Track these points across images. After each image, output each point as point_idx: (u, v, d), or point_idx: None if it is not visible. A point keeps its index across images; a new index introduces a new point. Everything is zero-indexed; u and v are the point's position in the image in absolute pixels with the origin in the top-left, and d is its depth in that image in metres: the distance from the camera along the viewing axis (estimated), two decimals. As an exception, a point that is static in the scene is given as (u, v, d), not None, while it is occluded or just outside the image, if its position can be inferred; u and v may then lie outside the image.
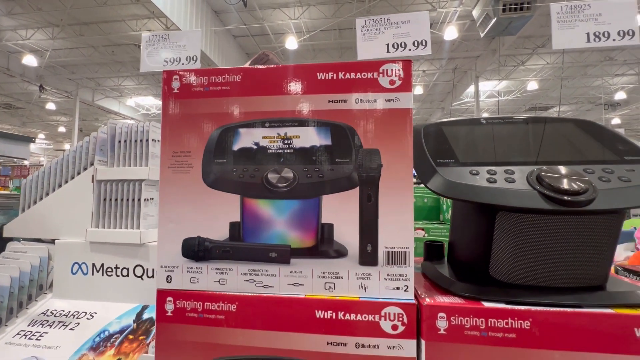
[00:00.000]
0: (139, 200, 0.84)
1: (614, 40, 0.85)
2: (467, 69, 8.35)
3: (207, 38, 5.61)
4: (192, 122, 0.47)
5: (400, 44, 0.85)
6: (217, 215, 0.45)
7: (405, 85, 0.43)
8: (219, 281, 0.45)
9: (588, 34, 0.86)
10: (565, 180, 0.38)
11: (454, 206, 0.55)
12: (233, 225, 0.45)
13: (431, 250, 0.60)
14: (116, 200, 0.85)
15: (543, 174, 0.39)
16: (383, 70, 0.44)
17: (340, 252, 0.43)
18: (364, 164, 0.43)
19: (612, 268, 1.01)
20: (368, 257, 0.43)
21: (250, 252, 0.45)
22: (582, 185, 0.37)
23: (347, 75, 0.45)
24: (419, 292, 0.44)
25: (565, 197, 0.37)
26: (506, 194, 0.39)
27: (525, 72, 8.41)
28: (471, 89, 8.69)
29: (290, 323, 0.43)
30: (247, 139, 0.45)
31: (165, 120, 0.47)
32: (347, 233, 0.43)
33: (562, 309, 0.38)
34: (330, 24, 6.08)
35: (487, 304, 0.40)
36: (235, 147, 0.46)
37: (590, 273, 0.41)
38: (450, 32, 5.66)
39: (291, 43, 5.96)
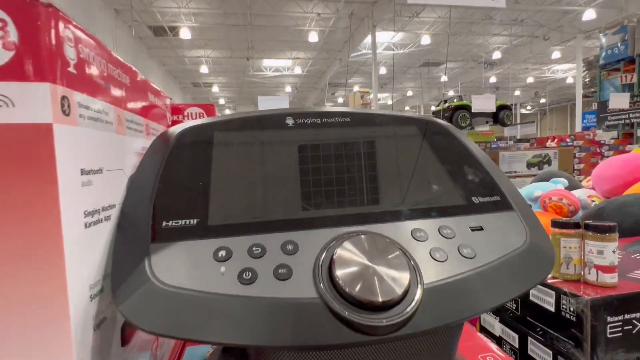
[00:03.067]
0: None
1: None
2: (364, 16, 8.54)
3: None
4: None
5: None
6: None
7: (27, 58, 0.19)
8: None
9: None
10: (372, 281, 0.22)
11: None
12: None
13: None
14: None
15: (337, 266, 0.23)
16: (-43, 18, 0.19)
17: None
18: None
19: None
20: None
21: None
22: (396, 293, 0.22)
23: None
24: None
25: (367, 320, 0.21)
26: (266, 317, 0.21)
27: (420, 25, 9.14)
28: (369, 40, 9.02)
29: None
30: None
31: None
32: None
33: None
34: None
35: None
36: None
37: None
38: (344, -30, 5.53)
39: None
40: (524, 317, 0.59)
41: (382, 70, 11.79)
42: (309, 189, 0.28)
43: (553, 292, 0.53)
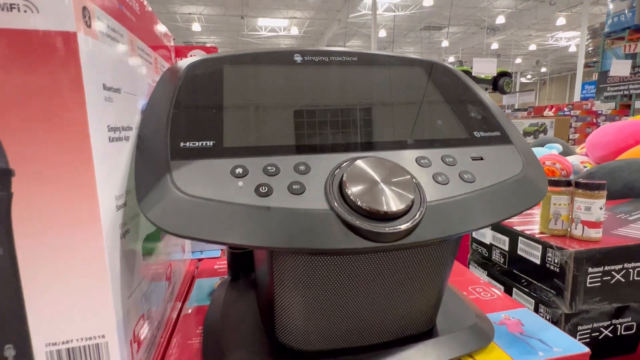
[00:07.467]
0: None
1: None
2: (364, -27, 8.12)
3: None
4: None
5: None
6: None
7: (46, -31, 0.20)
8: None
9: None
10: (379, 195, 0.24)
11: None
12: None
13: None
14: None
15: (348, 182, 0.24)
16: None
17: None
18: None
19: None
20: (11, 370, 0.23)
21: None
22: (401, 205, 0.24)
23: None
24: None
25: (374, 228, 0.23)
26: (280, 225, 0.23)
27: (423, -15, 8.72)
28: (368, 0, 8.64)
29: None
30: None
31: None
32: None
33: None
34: None
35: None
36: None
37: (411, 323, 0.31)
38: None
39: None
40: (510, 270, 0.61)
41: (382, 33, 11.40)
42: (319, 118, 0.29)
43: (540, 246, 0.55)
